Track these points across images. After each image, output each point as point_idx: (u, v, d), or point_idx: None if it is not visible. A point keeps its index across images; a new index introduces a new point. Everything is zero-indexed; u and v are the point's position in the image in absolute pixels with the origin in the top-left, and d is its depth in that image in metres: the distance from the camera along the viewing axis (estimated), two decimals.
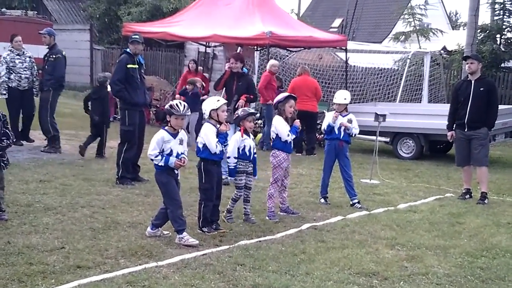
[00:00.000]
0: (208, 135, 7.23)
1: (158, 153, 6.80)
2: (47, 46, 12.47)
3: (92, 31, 29.39)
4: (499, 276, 6.15)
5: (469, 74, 10.06)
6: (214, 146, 7.20)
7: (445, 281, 5.96)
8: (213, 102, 7.35)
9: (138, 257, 6.25)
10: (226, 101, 7.46)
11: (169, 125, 6.92)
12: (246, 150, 7.79)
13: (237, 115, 7.81)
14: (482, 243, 7.33)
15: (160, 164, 6.83)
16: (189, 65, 17.05)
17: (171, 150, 6.84)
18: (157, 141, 6.82)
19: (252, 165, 7.93)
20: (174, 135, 6.90)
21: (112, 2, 30.34)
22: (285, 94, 8.49)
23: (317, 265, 6.28)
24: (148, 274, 5.74)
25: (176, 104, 6.91)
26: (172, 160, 6.81)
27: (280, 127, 8.23)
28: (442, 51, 23.14)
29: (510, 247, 7.21)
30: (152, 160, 6.90)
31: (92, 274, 5.68)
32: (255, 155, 8.01)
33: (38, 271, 5.68)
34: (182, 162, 6.86)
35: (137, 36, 10.01)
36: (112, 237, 6.88)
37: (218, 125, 7.31)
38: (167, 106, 6.99)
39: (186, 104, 6.99)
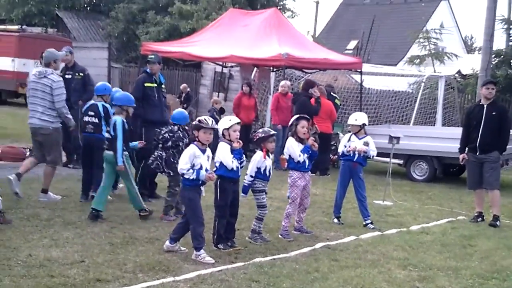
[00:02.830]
0: (223, 153, 7.42)
1: (189, 168, 7.00)
2: (66, 64, 12.76)
3: (111, 49, 29.85)
4: None
5: (483, 99, 10.20)
6: (230, 162, 7.38)
7: None
8: (225, 121, 7.56)
9: (156, 272, 6.43)
10: (238, 121, 7.59)
11: (197, 140, 7.14)
12: (267, 170, 7.93)
13: (258, 137, 7.95)
14: (493, 266, 7.44)
15: (191, 177, 7.00)
16: (243, 87, 16.36)
17: (201, 165, 7.05)
18: (189, 156, 7.02)
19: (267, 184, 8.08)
20: (203, 150, 7.13)
21: (130, 21, 30.83)
22: (297, 115, 8.65)
23: (330, 283, 6.42)
24: None
25: (205, 119, 7.16)
26: (203, 173, 7.01)
27: (292, 148, 8.39)
28: (456, 75, 23.27)
29: None
30: (183, 174, 7.06)
31: (112, 287, 5.87)
32: None
33: (59, 283, 5.89)
34: (212, 176, 7.09)
35: (152, 56, 10.32)
36: (130, 252, 7.06)
37: (232, 143, 7.50)
38: (195, 122, 7.23)
39: (213, 119, 7.28)
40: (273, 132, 8.17)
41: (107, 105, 9.69)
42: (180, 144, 8.83)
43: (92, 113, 9.65)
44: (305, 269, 6.84)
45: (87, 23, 35.52)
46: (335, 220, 9.38)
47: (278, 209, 9.70)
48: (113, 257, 6.80)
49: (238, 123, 7.53)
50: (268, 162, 7.94)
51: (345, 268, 7.00)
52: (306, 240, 8.18)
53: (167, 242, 7.24)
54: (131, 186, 8.79)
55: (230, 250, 7.40)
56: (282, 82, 15.45)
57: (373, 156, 9.38)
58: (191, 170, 6.98)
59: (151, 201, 9.83)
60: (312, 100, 13.66)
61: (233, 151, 7.44)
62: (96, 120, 9.63)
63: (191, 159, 7.02)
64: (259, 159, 7.86)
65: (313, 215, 9.70)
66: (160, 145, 8.98)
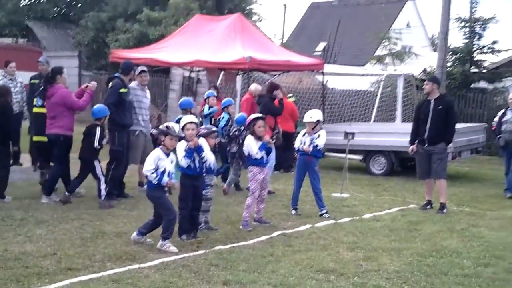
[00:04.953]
0: (178, 150, 8.06)
1: (154, 170, 7.59)
2: (40, 73, 13.27)
3: (81, 57, 30.22)
4: (442, 272, 6.97)
5: (427, 94, 10.94)
6: (180, 159, 8.03)
7: (394, 276, 6.76)
8: (181, 122, 8.25)
9: (123, 261, 7.02)
10: (190, 121, 8.13)
11: (163, 144, 7.76)
12: (211, 165, 8.50)
13: (200, 133, 8.38)
14: (434, 246, 8.15)
15: (154, 182, 7.63)
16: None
17: (165, 168, 7.66)
18: (154, 159, 7.64)
19: (215, 177, 8.82)
20: (167, 154, 7.74)
21: (100, 29, 31.26)
22: (253, 116, 9.34)
23: (283, 264, 7.08)
24: (131, 274, 6.52)
25: (172, 126, 7.80)
26: (166, 179, 7.62)
27: (249, 146, 9.06)
28: (421, 73, 24.09)
29: (459, 248, 8.04)
30: (147, 176, 7.71)
31: (82, 275, 6.45)
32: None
33: (34, 272, 6.46)
34: (173, 184, 7.69)
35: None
36: (99, 244, 7.64)
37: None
38: (162, 127, 7.84)
39: (179, 126, 7.97)
40: (214, 128, 8.77)
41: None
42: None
43: None
44: (261, 254, 7.48)
45: (57, 32, 35.89)
46: (293, 212, 10.03)
47: (240, 204, 10.31)
48: (83, 250, 7.38)
49: (190, 123, 8.11)
50: (212, 157, 8.42)
51: (297, 252, 7.65)
52: (264, 230, 8.81)
53: (135, 234, 7.83)
54: None
55: (192, 240, 8.01)
56: (253, 85, 15.88)
57: (320, 147, 9.94)
58: (154, 174, 7.59)
59: (120, 199, 10.41)
60: (276, 102, 14.31)
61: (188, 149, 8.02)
62: None
63: (156, 162, 7.64)
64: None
65: (273, 208, 10.35)
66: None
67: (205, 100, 13.40)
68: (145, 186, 10.54)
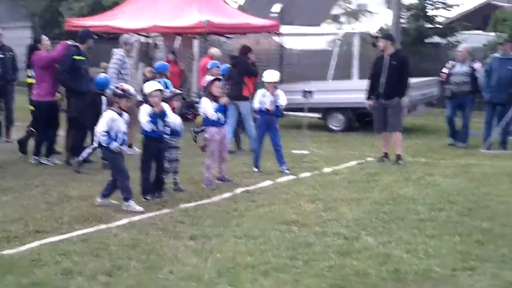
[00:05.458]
0: (141, 114, 8.20)
1: (105, 132, 7.70)
2: None
3: (34, 28, 29.70)
4: (399, 217, 7.30)
5: (383, 51, 11.20)
6: (144, 123, 8.18)
7: (352, 224, 7.07)
8: (145, 88, 8.37)
9: (90, 222, 7.17)
10: (155, 88, 8.27)
11: (117, 106, 7.85)
12: (177, 127, 8.69)
13: (164, 96, 8.56)
14: (391, 194, 8.49)
15: (104, 144, 7.78)
16: (168, 56, 17.09)
17: (118, 129, 7.78)
18: (106, 121, 7.75)
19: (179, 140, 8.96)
20: (121, 114, 7.86)
21: None
22: (211, 77, 9.54)
23: (247, 218, 7.33)
24: (100, 234, 6.69)
25: (129, 89, 7.90)
26: (115, 145, 7.75)
27: (205, 108, 9.21)
28: (377, 31, 24.34)
29: (414, 196, 8.41)
30: (98, 137, 7.81)
31: (51, 236, 6.60)
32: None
33: (3, 236, 6.59)
34: (119, 151, 7.83)
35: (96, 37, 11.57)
36: (65, 208, 7.78)
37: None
38: (118, 90, 7.90)
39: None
40: (178, 92, 8.99)
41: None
42: None
43: None
44: (225, 210, 7.72)
45: (8, 3, 35.05)
46: (255, 169, 10.27)
47: (203, 165, 10.49)
48: (50, 214, 7.50)
49: (156, 90, 8.24)
50: (177, 119, 8.65)
51: (260, 206, 7.91)
52: (227, 187, 9.03)
53: (99, 198, 7.98)
54: None
55: (157, 199, 8.20)
56: (215, 50, 15.88)
57: (282, 106, 10.17)
58: (105, 137, 7.71)
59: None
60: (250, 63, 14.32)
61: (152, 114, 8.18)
62: None
63: (109, 123, 7.76)
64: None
65: (235, 166, 10.55)
66: None
67: (207, 69, 13.38)
68: (135, 148, 11.10)
